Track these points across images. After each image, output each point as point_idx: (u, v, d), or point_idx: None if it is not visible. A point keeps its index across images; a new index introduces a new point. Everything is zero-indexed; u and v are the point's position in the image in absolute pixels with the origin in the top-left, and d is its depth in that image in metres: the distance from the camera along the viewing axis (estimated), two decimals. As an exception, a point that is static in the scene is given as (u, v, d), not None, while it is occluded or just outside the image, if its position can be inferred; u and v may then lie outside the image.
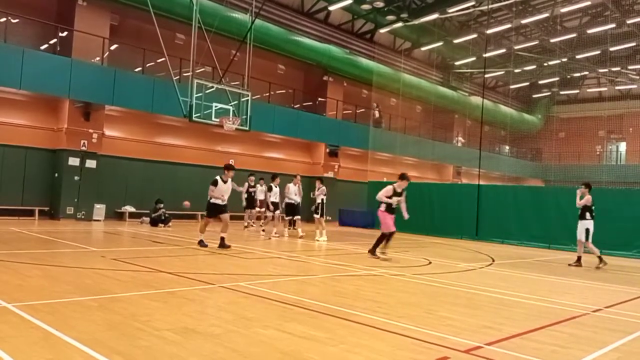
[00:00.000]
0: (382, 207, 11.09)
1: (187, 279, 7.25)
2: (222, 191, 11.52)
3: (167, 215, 17.43)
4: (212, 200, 11.57)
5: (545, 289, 8.28)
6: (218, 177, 11.56)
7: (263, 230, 16.46)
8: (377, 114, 29.30)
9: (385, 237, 11.13)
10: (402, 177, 11.31)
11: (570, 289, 8.58)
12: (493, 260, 12.37)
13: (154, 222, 17.23)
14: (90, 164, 18.07)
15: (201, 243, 11.58)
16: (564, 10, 27.47)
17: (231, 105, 17.48)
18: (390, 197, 11.01)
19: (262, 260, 10.17)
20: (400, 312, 5.87)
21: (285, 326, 4.90)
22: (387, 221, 11.07)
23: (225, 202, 11.61)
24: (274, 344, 4.32)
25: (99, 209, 18.20)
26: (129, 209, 19.28)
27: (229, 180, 11.71)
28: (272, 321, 5.06)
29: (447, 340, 4.70)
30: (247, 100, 17.67)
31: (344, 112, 27.63)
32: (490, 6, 26.75)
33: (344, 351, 4.24)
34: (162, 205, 17.46)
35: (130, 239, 13.23)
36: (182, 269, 8.17)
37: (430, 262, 11.21)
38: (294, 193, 15.56)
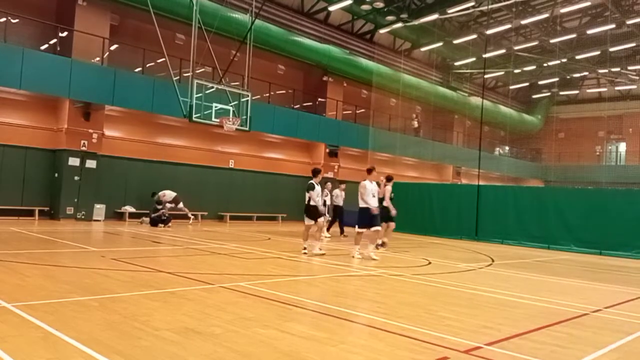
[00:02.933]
0: None
1: (187, 279, 7.25)
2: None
3: (167, 215, 17.44)
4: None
5: (544, 289, 8.28)
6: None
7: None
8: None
9: None
10: None
11: (570, 290, 8.58)
12: (493, 261, 12.37)
13: (154, 222, 17.24)
14: (90, 164, 18.08)
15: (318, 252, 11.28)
16: (564, 10, 27.45)
17: (231, 106, 17.48)
18: None
19: (262, 260, 10.17)
20: (399, 312, 5.87)
21: (285, 326, 4.90)
22: None
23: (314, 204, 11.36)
24: (274, 344, 4.33)
25: (99, 209, 18.20)
26: (129, 209, 19.28)
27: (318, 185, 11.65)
28: (272, 321, 5.06)
29: (446, 341, 4.71)
30: (247, 100, 17.67)
31: (344, 112, 27.64)
32: (490, 6, 26.74)
33: (343, 351, 4.24)
34: (156, 198, 17.46)
35: (130, 239, 13.23)
36: (182, 269, 8.17)
37: (429, 263, 11.21)
38: (372, 194, 11.18)
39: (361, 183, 11.20)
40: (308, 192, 11.27)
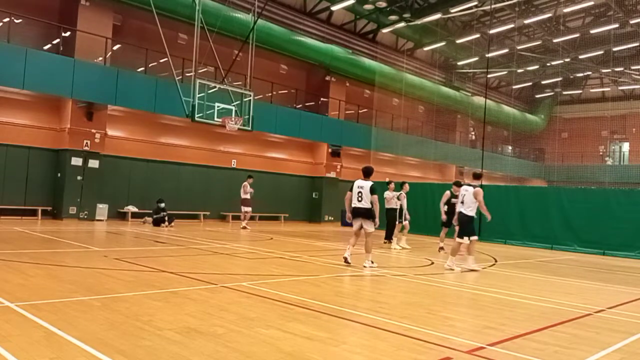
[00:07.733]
0: None
1: (190, 279, 7.25)
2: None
3: (169, 215, 17.45)
4: None
5: (547, 289, 8.26)
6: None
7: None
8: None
9: None
10: None
11: (573, 290, 8.56)
12: (496, 261, 12.35)
13: (157, 222, 17.26)
14: (93, 163, 18.11)
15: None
16: (567, 10, 27.40)
17: (233, 105, 17.48)
18: None
19: (265, 260, 10.17)
20: (402, 313, 5.86)
21: (287, 326, 4.90)
22: None
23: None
24: (276, 344, 4.32)
25: (102, 209, 18.22)
26: (132, 209, 19.30)
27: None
28: (274, 321, 5.06)
29: (449, 341, 4.70)
30: (250, 100, 17.67)
31: (346, 112, 27.64)
32: (493, 6, 26.68)
33: (345, 351, 4.24)
34: (163, 205, 17.48)
35: (133, 239, 13.25)
36: (185, 269, 8.17)
37: (432, 263, 11.19)
38: (469, 202, 9.89)
39: (478, 189, 9.75)
40: (373, 196, 9.28)
